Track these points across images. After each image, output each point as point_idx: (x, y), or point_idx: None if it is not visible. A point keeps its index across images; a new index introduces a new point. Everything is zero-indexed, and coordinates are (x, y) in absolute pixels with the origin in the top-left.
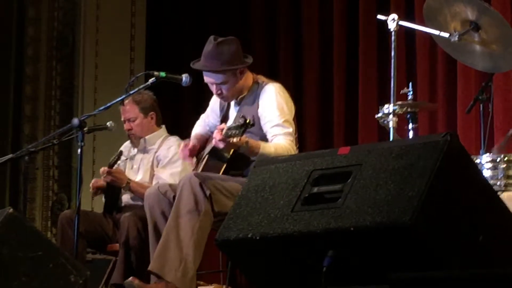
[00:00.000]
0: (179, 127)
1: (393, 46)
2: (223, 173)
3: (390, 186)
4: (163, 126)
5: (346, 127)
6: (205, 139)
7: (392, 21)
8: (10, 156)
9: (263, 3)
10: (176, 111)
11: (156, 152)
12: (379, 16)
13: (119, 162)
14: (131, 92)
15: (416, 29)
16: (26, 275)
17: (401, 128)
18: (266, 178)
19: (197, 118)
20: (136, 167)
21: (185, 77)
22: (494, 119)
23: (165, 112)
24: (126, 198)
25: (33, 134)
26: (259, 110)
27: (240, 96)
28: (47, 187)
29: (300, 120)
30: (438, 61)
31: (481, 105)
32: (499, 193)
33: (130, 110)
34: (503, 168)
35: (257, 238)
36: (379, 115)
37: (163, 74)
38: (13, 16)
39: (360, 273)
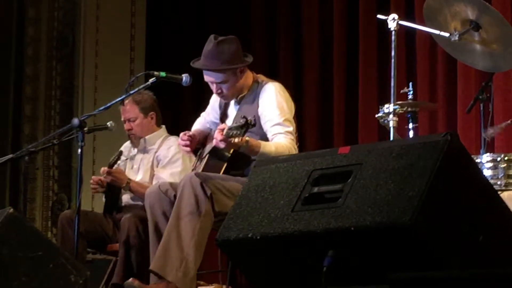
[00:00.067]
0: (179, 127)
1: (393, 45)
2: (223, 173)
3: (390, 186)
4: (163, 126)
5: (346, 127)
6: (205, 135)
7: (392, 21)
8: (10, 156)
9: (263, 3)
10: (176, 111)
11: (156, 152)
12: (379, 16)
13: (119, 162)
14: (131, 92)
15: (416, 29)
16: (26, 275)
17: (401, 127)
18: (266, 178)
19: (196, 118)
20: (136, 167)
21: (185, 77)
22: (494, 118)
23: (165, 112)
24: (126, 198)
25: (33, 134)
26: (259, 109)
27: (240, 95)
28: (47, 187)
29: (300, 120)
30: (438, 61)
31: (481, 105)
32: (499, 192)
33: (130, 110)
34: (504, 167)
35: (258, 238)
36: (379, 114)
37: (163, 74)
38: (13, 16)
39: (360, 273)
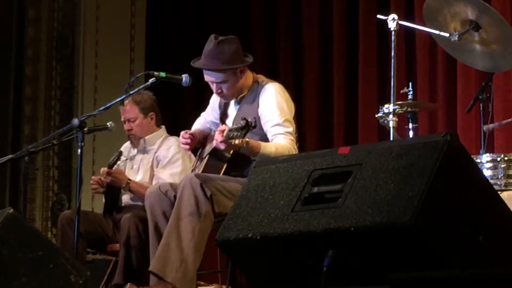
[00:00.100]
0: (179, 127)
1: (393, 46)
2: (223, 173)
3: (390, 186)
4: (163, 126)
5: (346, 127)
6: (204, 135)
7: (392, 21)
8: (10, 156)
9: (263, 3)
10: (176, 112)
11: (155, 153)
12: (379, 16)
13: (119, 162)
14: (131, 92)
15: (416, 29)
16: (26, 275)
17: (401, 128)
18: (266, 178)
19: (196, 118)
20: (136, 168)
21: (185, 77)
22: (494, 118)
23: (165, 113)
24: (126, 198)
25: (33, 135)
26: (259, 110)
27: (240, 95)
28: (47, 187)
29: (300, 120)
30: (438, 61)
31: (481, 105)
32: (499, 192)
33: (130, 110)
34: (503, 167)
35: (257, 238)
36: (379, 114)
37: (163, 74)
38: (13, 16)
39: (360, 273)
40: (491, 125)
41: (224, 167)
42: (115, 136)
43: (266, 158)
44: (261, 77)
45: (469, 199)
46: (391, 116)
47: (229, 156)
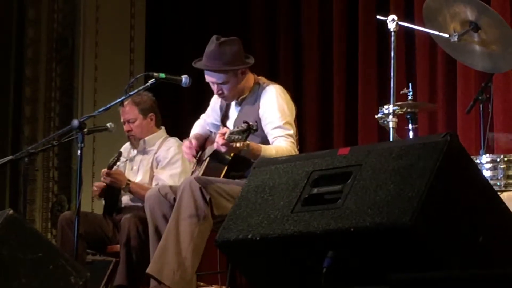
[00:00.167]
0: (179, 128)
1: (392, 46)
2: (224, 176)
3: (390, 187)
4: (163, 127)
5: (346, 127)
6: (204, 138)
7: (391, 22)
8: (10, 157)
9: (263, 3)
10: (176, 112)
11: (155, 153)
12: (379, 17)
13: (118, 163)
14: (131, 93)
15: (416, 30)
16: (26, 276)
17: (401, 128)
18: (266, 179)
19: (196, 119)
20: (135, 168)
21: (184, 78)
22: (494, 119)
23: (165, 113)
24: (125, 199)
25: (33, 136)
26: (260, 111)
27: (241, 97)
28: (47, 188)
29: (300, 120)
30: (438, 62)
31: (481, 106)
32: (499, 193)
33: (129, 111)
34: (503, 168)
35: (257, 239)
36: (379, 115)
37: (162, 75)
38: (13, 17)
39: (360, 274)
40: (496, 136)
41: (225, 169)
42: (115, 137)
43: (266, 159)
44: (262, 79)
45: (469, 200)
46: (391, 116)
47: (230, 158)
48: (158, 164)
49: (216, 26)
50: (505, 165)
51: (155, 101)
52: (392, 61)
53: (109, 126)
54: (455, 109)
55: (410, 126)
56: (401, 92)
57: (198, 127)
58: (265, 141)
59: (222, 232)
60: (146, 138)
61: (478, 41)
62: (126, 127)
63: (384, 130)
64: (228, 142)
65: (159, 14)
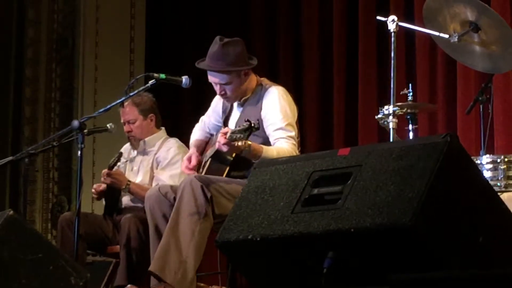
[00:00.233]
0: (179, 129)
1: (392, 47)
2: (225, 176)
3: (390, 187)
4: (163, 128)
5: (346, 128)
6: (205, 143)
7: (391, 22)
8: (10, 158)
9: (263, 3)
10: (176, 113)
11: (155, 154)
12: (379, 17)
13: (119, 164)
14: (131, 94)
15: (416, 30)
16: (26, 277)
17: (401, 129)
18: (266, 180)
19: (196, 119)
20: (136, 169)
21: (185, 79)
22: (494, 120)
23: (165, 114)
24: (126, 200)
25: (33, 136)
26: (262, 113)
27: (244, 98)
28: (47, 189)
29: (300, 121)
30: (438, 62)
31: (481, 106)
32: (499, 193)
33: (129, 112)
34: (503, 168)
35: (257, 239)
36: (379, 116)
37: (162, 76)
38: (13, 17)
39: (360, 274)
40: None
41: (226, 170)
42: (115, 137)
43: (266, 160)
44: (264, 80)
45: (469, 200)
46: (391, 117)
47: (231, 159)
48: (158, 165)
49: (216, 26)
50: (505, 166)
51: (155, 102)
52: (392, 61)
53: (109, 127)
54: (455, 110)
55: (410, 127)
56: (401, 92)
57: (198, 131)
58: (267, 142)
59: (222, 233)
60: (146, 139)
61: (478, 41)
62: (126, 128)
63: (384, 131)
64: (229, 141)
65: (159, 14)
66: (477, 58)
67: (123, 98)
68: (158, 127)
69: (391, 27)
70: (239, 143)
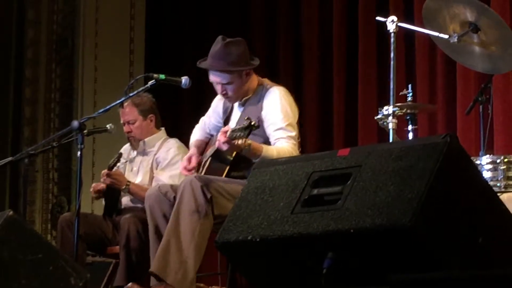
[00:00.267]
0: (179, 129)
1: (392, 47)
2: (225, 176)
3: (390, 188)
4: (163, 128)
5: (346, 128)
6: (205, 144)
7: (391, 23)
8: (9, 158)
9: (263, 3)
10: (176, 114)
11: (155, 155)
12: (378, 18)
13: (118, 164)
14: (131, 94)
15: (416, 31)
16: (26, 278)
17: (400, 129)
18: (265, 180)
19: (196, 120)
20: (135, 170)
21: (184, 80)
22: (493, 120)
23: (165, 115)
24: (125, 200)
25: (32, 137)
26: (263, 113)
27: (245, 98)
28: (47, 189)
29: (299, 121)
30: (438, 63)
31: (480, 107)
32: (499, 194)
33: (129, 112)
34: (503, 169)
35: (257, 240)
36: (379, 116)
37: (162, 76)
38: (13, 18)
39: (360, 274)
40: None
41: (226, 169)
42: (114, 138)
43: (266, 160)
44: (266, 81)
45: (468, 201)
46: (390, 118)
47: (231, 159)
48: (158, 165)
49: (216, 26)
50: (505, 166)
51: (155, 102)
52: (391, 62)
53: (109, 127)
54: (454, 110)
55: (410, 127)
56: (400, 93)
57: (198, 131)
58: (267, 142)
59: (222, 233)
60: (146, 139)
61: (478, 42)
62: (126, 128)
63: (384, 131)
64: (230, 140)
65: (159, 15)
66: (477, 59)
67: (122, 99)
68: (158, 127)
69: (391, 27)
70: (239, 142)
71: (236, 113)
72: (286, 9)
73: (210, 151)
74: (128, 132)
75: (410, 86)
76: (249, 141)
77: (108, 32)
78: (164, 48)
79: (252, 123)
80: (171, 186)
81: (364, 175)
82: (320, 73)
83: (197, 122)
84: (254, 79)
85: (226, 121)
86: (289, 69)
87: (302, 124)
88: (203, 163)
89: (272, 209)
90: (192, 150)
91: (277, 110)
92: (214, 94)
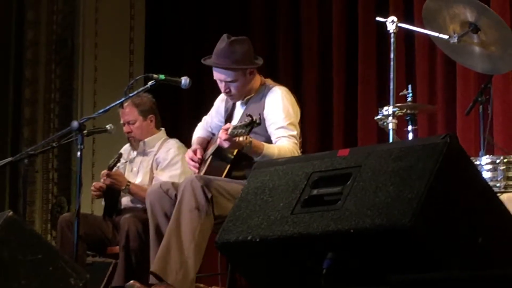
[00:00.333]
0: (178, 129)
1: (392, 47)
2: (226, 175)
3: (390, 188)
4: (162, 128)
5: (346, 128)
6: (207, 142)
7: (391, 23)
8: (9, 159)
9: (263, 3)
10: (175, 114)
11: (155, 155)
12: (378, 18)
13: (118, 164)
14: (131, 95)
15: (415, 31)
16: (26, 278)
17: (400, 130)
18: (265, 181)
19: (196, 120)
20: (135, 170)
21: (184, 80)
22: (493, 120)
23: (164, 115)
24: (125, 200)
25: (32, 137)
26: (265, 112)
27: (247, 97)
28: (47, 190)
29: (299, 121)
30: (437, 63)
31: (480, 107)
32: (498, 194)
33: (129, 113)
34: (503, 169)
35: (257, 240)
36: (379, 117)
37: (162, 76)
38: (13, 18)
39: (359, 275)
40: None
41: (227, 168)
42: (114, 138)
43: (266, 160)
44: (268, 81)
45: (468, 201)
46: (390, 118)
47: (232, 157)
48: (158, 166)
49: (216, 26)
50: (504, 167)
51: (154, 103)
52: (391, 62)
53: (108, 128)
54: (454, 111)
55: (410, 128)
56: (400, 93)
57: (200, 130)
58: (269, 141)
59: (221, 234)
60: (146, 140)
61: (478, 42)
62: (126, 129)
63: (384, 132)
64: (231, 137)
65: (159, 15)
66: (477, 59)
67: (122, 99)
68: (157, 127)
69: (391, 28)
70: (240, 139)
71: (239, 111)
72: (286, 9)
73: (211, 150)
74: (128, 133)
75: (410, 86)
76: (250, 139)
77: (108, 32)
78: (164, 48)
79: (254, 120)
80: (173, 183)
81: (364, 175)
82: (320, 73)
83: (197, 122)
84: (258, 79)
85: (228, 120)
86: (288, 69)
87: (302, 124)
88: (204, 161)
89: (272, 210)
90: (195, 146)
91: (279, 109)
92: (214, 94)
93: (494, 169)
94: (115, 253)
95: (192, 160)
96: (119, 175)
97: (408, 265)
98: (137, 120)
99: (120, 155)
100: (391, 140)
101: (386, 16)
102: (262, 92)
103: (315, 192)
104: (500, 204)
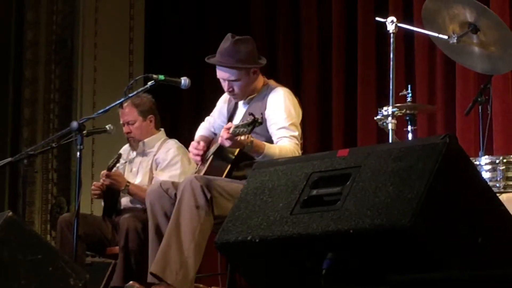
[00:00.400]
0: (178, 130)
1: (391, 48)
2: (227, 174)
3: (389, 188)
4: (162, 129)
5: (345, 128)
6: (209, 140)
7: (390, 23)
8: (9, 159)
9: (263, 3)
10: (175, 114)
11: (155, 155)
12: (378, 18)
13: (118, 165)
14: (130, 95)
15: (415, 31)
16: (26, 278)
17: (400, 130)
18: (265, 181)
19: (196, 120)
20: (135, 170)
21: (184, 80)
22: (493, 121)
23: (164, 115)
24: (125, 201)
25: (32, 137)
26: (266, 112)
27: (250, 97)
28: (46, 190)
29: None
30: (437, 63)
31: (480, 107)
32: (498, 194)
33: (129, 113)
34: (502, 169)
35: (257, 240)
36: (378, 117)
37: (161, 77)
38: (12, 19)
39: (359, 275)
40: None
41: (228, 168)
42: (114, 139)
43: (265, 160)
44: (271, 81)
45: (468, 201)
46: (390, 118)
47: (233, 157)
48: (158, 166)
49: (216, 26)
50: (504, 167)
51: (154, 103)
52: (391, 62)
53: (108, 128)
54: (454, 111)
55: (409, 128)
56: (400, 93)
57: (202, 130)
58: (269, 142)
59: (221, 234)
60: (145, 140)
61: (477, 42)
62: (125, 129)
63: (383, 132)
64: (232, 136)
65: (159, 15)
66: (476, 59)
67: (122, 99)
68: (157, 128)
69: (390, 28)
70: (242, 138)
71: (241, 111)
72: (286, 9)
73: (212, 149)
74: (128, 133)
75: (409, 86)
76: (251, 138)
77: (108, 33)
78: (163, 48)
79: (256, 119)
80: (173, 183)
81: (363, 175)
82: (319, 74)
83: (196, 122)
84: (260, 79)
85: (230, 119)
86: (288, 69)
87: (302, 124)
88: (205, 161)
89: (272, 210)
90: (199, 138)
91: (281, 109)
92: (214, 94)
93: (493, 169)
94: (115, 254)
95: (196, 149)
96: (119, 175)
97: (408, 265)
98: (136, 121)
99: (120, 155)
100: (390, 140)
101: (385, 17)
102: (265, 92)
103: (314, 192)
104: (500, 204)
